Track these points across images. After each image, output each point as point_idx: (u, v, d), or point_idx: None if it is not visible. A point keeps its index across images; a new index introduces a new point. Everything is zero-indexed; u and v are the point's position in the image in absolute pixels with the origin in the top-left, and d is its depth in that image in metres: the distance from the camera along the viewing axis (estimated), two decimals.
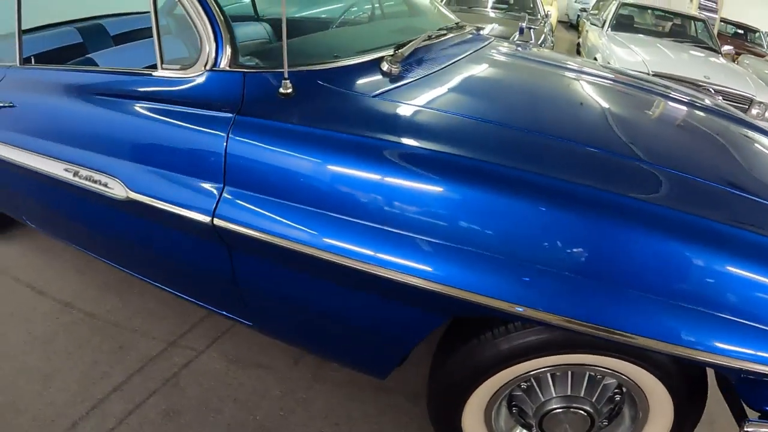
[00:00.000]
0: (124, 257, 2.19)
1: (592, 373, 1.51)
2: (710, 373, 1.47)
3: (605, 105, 2.04)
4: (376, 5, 2.92)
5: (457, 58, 2.13)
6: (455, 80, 1.95)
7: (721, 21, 11.29)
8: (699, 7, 10.95)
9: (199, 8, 1.61)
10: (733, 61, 7.68)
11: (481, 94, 1.93)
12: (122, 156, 1.77)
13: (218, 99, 1.60)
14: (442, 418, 1.65)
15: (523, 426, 1.66)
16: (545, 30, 6.47)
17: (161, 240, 1.84)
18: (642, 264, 1.21)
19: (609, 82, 2.36)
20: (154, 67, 1.76)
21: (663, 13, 8.50)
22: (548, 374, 1.53)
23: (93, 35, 3.08)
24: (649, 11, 8.63)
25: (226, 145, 1.52)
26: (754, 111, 5.47)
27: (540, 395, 1.56)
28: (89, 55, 2.46)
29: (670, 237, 1.21)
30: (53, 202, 2.22)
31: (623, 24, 7.76)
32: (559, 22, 15.57)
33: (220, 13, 1.62)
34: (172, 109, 1.67)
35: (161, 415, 1.97)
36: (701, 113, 2.17)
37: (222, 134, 1.54)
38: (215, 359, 2.23)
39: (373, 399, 2.08)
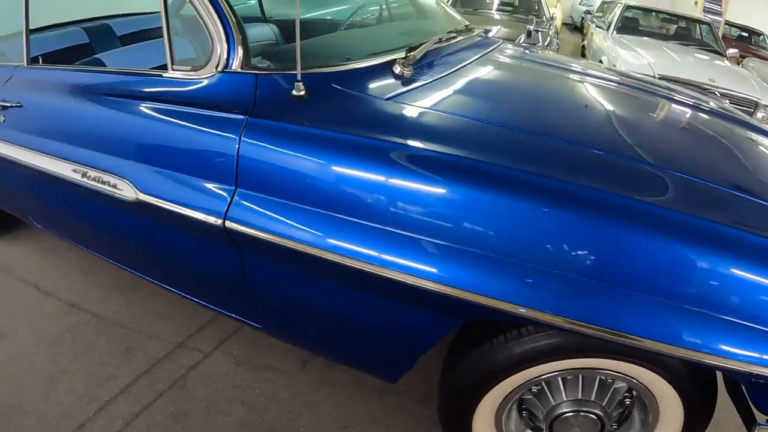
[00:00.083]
0: (131, 258, 2.19)
1: (603, 377, 1.51)
2: (719, 376, 1.47)
3: (613, 108, 2.04)
4: (384, 7, 2.91)
5: (468, 62, 2.13)
6: (467, 83, 1.94)
7: (725, 24, 11.28)
8: (704, 10, 10.93)
9: (211, 9, 1.60)
10: (738, 64, 7.65)
11: (493, 97, 1.93)
12: (131, 157, 1.76)
13: (230, 101, 1.59)
14: (452, 422, 1.64)
15: (533, 429, 1.65)
16: (550, 32, 6.46)
17: (170, 241, 1.83)
18: (651, 267, 1.21)
19: (617, 85, 2.36)
20: (164, 67, 1.75)
21: (668, 16, 8.49)
22: (559, 378, 1.52)
23: (100, 35, 3.07)
24: (654, 14, 8.63)
25: (239, 147, 1.52)
26: (759, 114, 5.46)
27: (551, 399, 1.56)
28: (97, 56, 2.46)
29: (679, 240, 1.21)
30: (60, 202, 2.22)
31: (628, 27, 7.75)
32: (563, 24, 15.56)
33: (231, 13, 1.62)
34: (182, 110, 1.66)
35: (168, 417, 1.97)
36: (706, 116, 2.17)
37: (234, 136, 1.53)
38: (223, 361, 2.23)
39: (382, 401, 2.07)
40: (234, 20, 1.62)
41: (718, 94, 5.43)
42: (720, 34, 8.35)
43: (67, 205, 2.19)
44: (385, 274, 1.36)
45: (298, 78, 1.49)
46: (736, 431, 1.44)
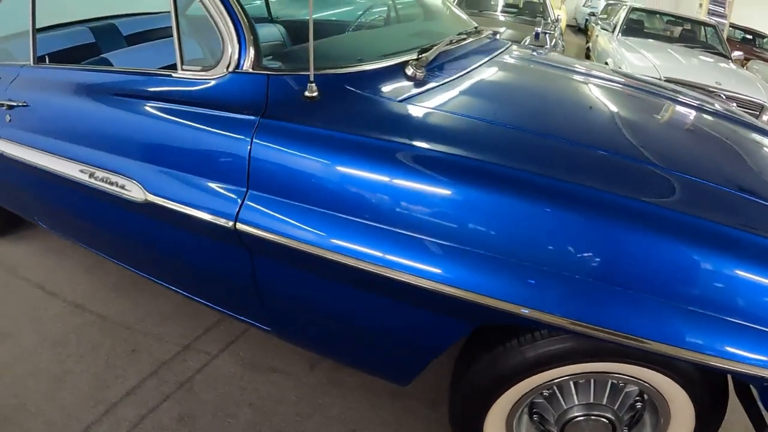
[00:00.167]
0: (138, 259, 2.17)
1: (615, 381, 1.50)
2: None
3: (621, 109, 2.04)
4: (391, 8, 2.90)
5: (479, 64, 2.12)
6: (479, 85, 1.94)
7: (729, 26, 11.27)
8: (708, 12, 10.92)
9: (222, 9, 1.59)
10: (743, 67, 7.64)
11: (506, 99, 1.93)
12: (140, 157, 1.75)
13: (241, 101, 1.58)
14: (464, 426, 1.62)
15: None
16: (556, 34, 6.45)
17: (178, 243, 1.82)
18: (658, 269, 1.20)
19: (624, 86, 2.36)
20: (172, 67, 1.74)
21: (673, 18, 8.48)
22: (571, 382, 1.51)
23: (106, 35, 3.07)
24: (659, 16, 8.62)
25: (251, 149, 1.50)
26: (765, 117, 5.45)
27: (562, 403, 1.54)
28: (104, 55, 2.45)
29: (685, 241, 1.20)
30: (67, 203, 2.21)
31: (634, 29, 7.75)
32: (567, 26, 15.57)
33: (243, 13, 1.61)
34: (192, 110, 1.65)
35: (175, 420, 1.95)
36: (711, 117, 2.17)
37: (246, 137, 1.52)
38: (230, 363, 2.21)
39: (390, 404, 2.06)
40: (245, 20, 1.61)
41: (724, 97, 5.42)
42: (725, 37, 8.34)
43: (74, 206, 2.18)
44: (400, 278, 1.34)
45: (311, 79, 1.48)
46: None
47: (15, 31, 2.57)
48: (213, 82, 1.64)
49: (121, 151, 1.80)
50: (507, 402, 1.53)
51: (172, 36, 1.71)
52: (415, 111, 1.60)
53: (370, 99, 1.62)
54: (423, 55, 1.83)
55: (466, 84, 1.89)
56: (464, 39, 2.25)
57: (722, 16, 10.83)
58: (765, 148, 1.97)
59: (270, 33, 3.01)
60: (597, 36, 8.58)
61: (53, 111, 2.09)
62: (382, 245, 1.36)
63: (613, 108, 2.04)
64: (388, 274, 1.35)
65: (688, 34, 7.91)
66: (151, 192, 1.69)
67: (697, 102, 2.31)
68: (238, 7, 1.61)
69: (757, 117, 5.38)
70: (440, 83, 1.82)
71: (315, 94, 1.49)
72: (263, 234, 1.49)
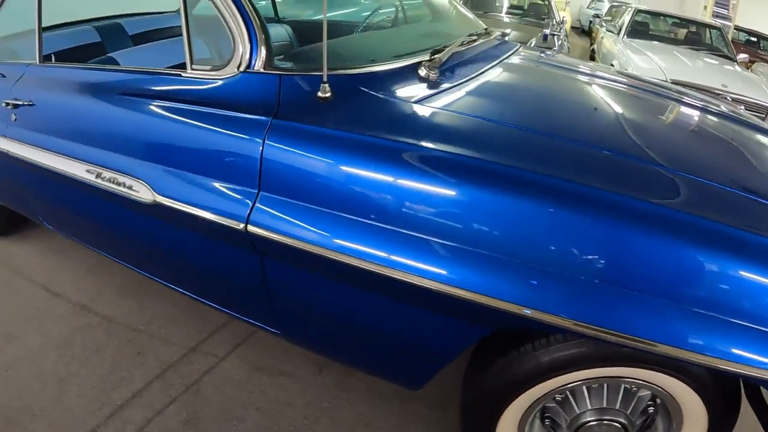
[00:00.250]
0: (145, 260, 2.16)
1: (628, 386, 1.49)
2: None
3: (628, 110, 2.03)
4: (399, 9, 2.89)
5: (490, 65, 2.11)
6: (493, 87, 1.93)
7: (734, 28, 11.27)
8: (713, 15, 10.92)
9: (233, 8, 1.58)
10: (747, 69, 7.63)
11: (519, 101, 1.92)
12: (148, 158, 1.74)
13: (253, 102, 1.56)
14: (475, 430, 1.61)
15: None
16: (561, 36, 6.45)
17: (187, 244, 1.80)
18: (665, 270, 1.19)
19: (630, 87, 2.36)
20: (181, 66, 1.72)
21: (678, 20, 8.47)
22: (584, 386, 1.50)
23: (111, 34, 3.06)
24: (664, 18, 8.61)
25: (262, 150, 1.48)
26: None
27: (575, 407, 1.53)
28: (110, 54, 2.44)
29: (692, 243, 1.19)
30: (73, 203, 2.19)
31: (639, 31, 7.74)
32: (571, 28, 15.58)
33: (254, 13, 1.59)
34: (202, 110, 1.63)
35: (182, 423, 1.93)
36: (716, 118, 2.16)
37: (258, 138, 1.50)
38: (237, 366, 2.19)
39: (399, 408, 2.04)
40: (257, 20, 1.59)
41: (730, 100, 5.41)
42: (730, 39, 8.33)
43: (80, 206, 2.16)
44: (420, 283, 1.32)
45: (325, 79, 1.45)
46: None
47: (20, 30, 2.56)
48: (223, 82, 1.62)
49: (129, 151, 1.78)
50: (520, 407, 1.51)
51: (177, 36, 1.69)
52: (431, 113, 1.59)
53: (384, 100, 1.60)
54: (436, 56, 1.82)
55: (479, 86, 1.88)
56: (475, 40, 2.24)
57: (727, 18, 10.83)
58: None
59: (277, 33, 2.99)
60: (602, 38, 8.57)
61: (59, 110, 2.08)
62: (390, 247, 1.35)
63: (620, 109, 2.04)
64: (402, 278, 1.34)
65: (694, 36, 7.90)
66: (160, 193, 1.67)
67: (702, 103, 2.31)
68: (250, 7, 1.59)
69: (763, 119, 5.36)
70: (454, 84, 1.80)
71: (328, 94, 1.47)
72: (275, 236, 1.46)
